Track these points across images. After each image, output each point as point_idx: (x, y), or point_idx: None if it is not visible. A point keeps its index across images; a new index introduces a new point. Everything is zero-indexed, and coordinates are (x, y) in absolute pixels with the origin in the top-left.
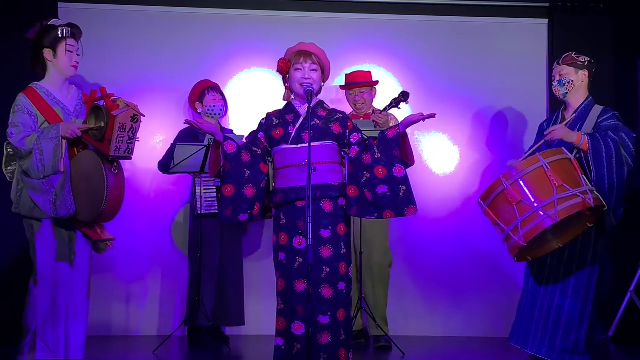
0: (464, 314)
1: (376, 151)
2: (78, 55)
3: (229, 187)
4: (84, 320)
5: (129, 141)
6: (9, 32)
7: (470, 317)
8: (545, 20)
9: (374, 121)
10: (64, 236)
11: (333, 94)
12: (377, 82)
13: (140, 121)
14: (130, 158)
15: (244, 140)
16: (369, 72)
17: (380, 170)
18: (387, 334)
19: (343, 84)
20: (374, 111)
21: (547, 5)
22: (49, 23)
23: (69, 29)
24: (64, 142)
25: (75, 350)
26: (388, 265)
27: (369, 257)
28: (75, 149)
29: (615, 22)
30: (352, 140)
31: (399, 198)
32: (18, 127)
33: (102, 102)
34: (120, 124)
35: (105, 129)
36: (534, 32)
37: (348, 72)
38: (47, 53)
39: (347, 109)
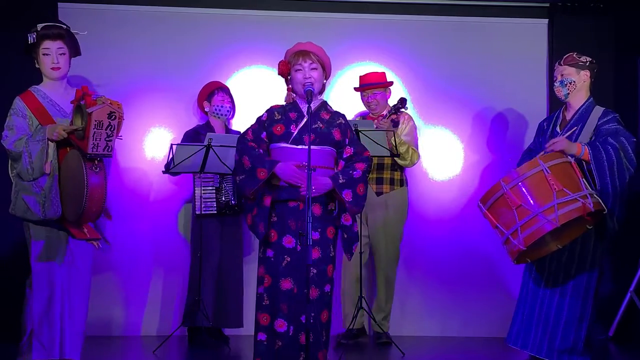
0: (464, 314)
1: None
2: (61, 54)
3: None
4: (82, 321)
5: (107, 139)
6: (9, 33)
7: (469, 318)
8: (545, 20)
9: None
10: (58, 236)
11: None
12: (390, 83)
13: (121, 119)
14: (111, 156)
15: (248, 137)
16: (383, 73)
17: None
18: (387, 330)
19: (355, 85)
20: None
21: (547, 5)
22: (30, 32)
23: (36, 33)
24: (53, 144)
25: (71, 351)
26: (395, 261)
27: (380, 254)
28: (68, 149)
29: (615, 22)
30: (344, 154)
31: (343, 240)
32: (12, 130)
33: (84, 102)
34: (96, 121)
35: (85, 127)
36: (534, 32)
37: (361, 74)
38: (35, 62)
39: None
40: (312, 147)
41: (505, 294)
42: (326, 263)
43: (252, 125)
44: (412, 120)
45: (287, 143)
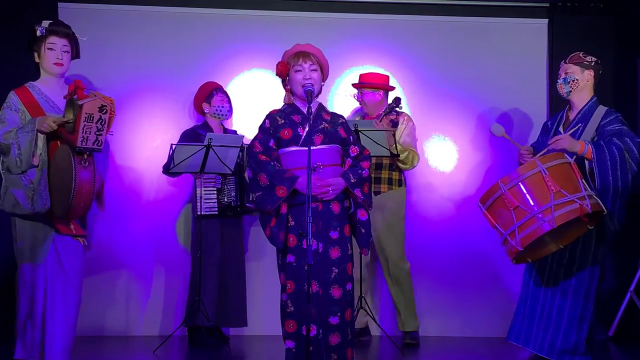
0: (464, 314)
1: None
2: (65, 52)
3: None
4: (67, 324)
5: (97, 132)
6: (9, 32)
7: (470, 317)
8: (545, 20)
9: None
10: (44, 236)
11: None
12: (387, 87)
13: (112, 114)
14: (100, 150)
15: (257, 149)
16: (380, 76)
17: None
18: (412, 330)
19: (355, 85)
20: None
21: (547, 5)
22: (34, 25)
23: (45, 27)
24: (42, 136)
25: (53, 355)
26: (405, 266)
27: (383, 255)
28: (58, 142)
29: (615, 22)
30: (351, 153)
31: (361, 235)
32: (3, 122)
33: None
34: (86, 113)
35: (75, 119)
36: (534, 32)
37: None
38: (35, 56)
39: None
40: (321, 146)
41: (506, 293)
42: (346, 261)
43: (256, 136)
44: (412, 120)
45: (297, 146)
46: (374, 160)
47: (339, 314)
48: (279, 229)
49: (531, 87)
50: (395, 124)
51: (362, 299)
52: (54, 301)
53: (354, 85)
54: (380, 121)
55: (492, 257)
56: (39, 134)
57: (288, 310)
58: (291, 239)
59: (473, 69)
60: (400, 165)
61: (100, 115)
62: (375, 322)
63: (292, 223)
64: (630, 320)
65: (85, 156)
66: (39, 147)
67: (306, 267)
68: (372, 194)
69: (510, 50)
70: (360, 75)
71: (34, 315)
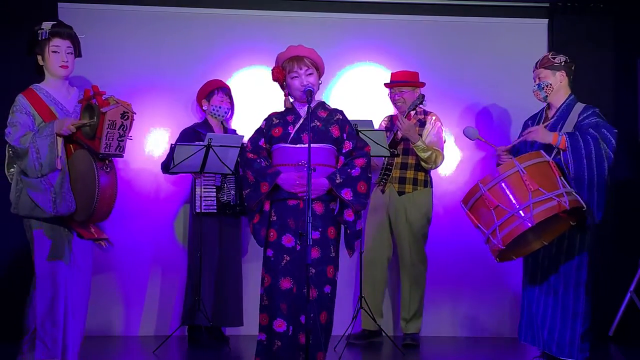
0: (464, 314)
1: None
2: (69, 54)
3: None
4: (83, 320)
5: (119, 138)
6: (9, 32)
7: (470, 317)
8: (545, 20)
9: (392, 129)
10: (61, 235)
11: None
12: (421, 84)
13: (132, 119)
14: (122, 156)
15: (247, 148)
16: (413, 73)
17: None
18: (414, 332)
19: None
20: (418, 112)
21: (547, 5)
22: (35, 28)
23: (47, 30)
24: (60, 139)
25: (74, 352)
26: (420, 262)
27: (403, 254)
28: (72, 147)
29: (615, 22)
30: (343, 149)
31: (346, 235)
32: (16, 126)
33: (94, 101)
34: (109, 120)
35: (96, 126)
36: (534, 32)
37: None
38: (39, 58)
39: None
40: (311, 145)
41: (505, 293)
42: (326, 264)
43: (250, 137)
44: (440, 121)
45: (286, 143)
46: (399, 159)
47: (311, 314)
48: (261, 225)
49: (531, 87)
50: (422, 124)
51: (362, 299)
52: (74, 299)
53: (387, 85)
54: (405, 116)
55: (491, 257)
56: (57, 137)
57: (263, 303)
58: (272, 233)
59: (473, 69)
60: (423, 164)
61: (122, 122)
62: (375, 322)
63: (274, 218)
64: (630, 320)
65: (107, 161)
66: (59, 150)
67: (283, 263)
68: (397, 194)
69: (510, 50)
70: (394, 74)
71: (55, 315)
